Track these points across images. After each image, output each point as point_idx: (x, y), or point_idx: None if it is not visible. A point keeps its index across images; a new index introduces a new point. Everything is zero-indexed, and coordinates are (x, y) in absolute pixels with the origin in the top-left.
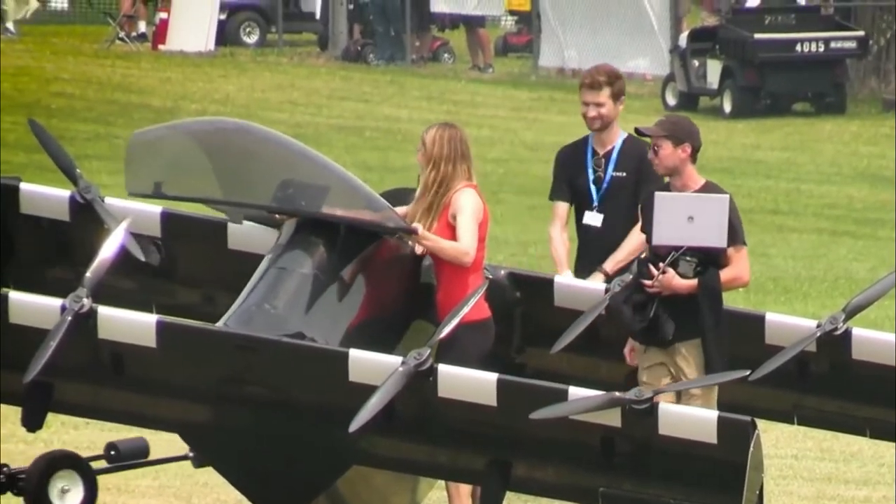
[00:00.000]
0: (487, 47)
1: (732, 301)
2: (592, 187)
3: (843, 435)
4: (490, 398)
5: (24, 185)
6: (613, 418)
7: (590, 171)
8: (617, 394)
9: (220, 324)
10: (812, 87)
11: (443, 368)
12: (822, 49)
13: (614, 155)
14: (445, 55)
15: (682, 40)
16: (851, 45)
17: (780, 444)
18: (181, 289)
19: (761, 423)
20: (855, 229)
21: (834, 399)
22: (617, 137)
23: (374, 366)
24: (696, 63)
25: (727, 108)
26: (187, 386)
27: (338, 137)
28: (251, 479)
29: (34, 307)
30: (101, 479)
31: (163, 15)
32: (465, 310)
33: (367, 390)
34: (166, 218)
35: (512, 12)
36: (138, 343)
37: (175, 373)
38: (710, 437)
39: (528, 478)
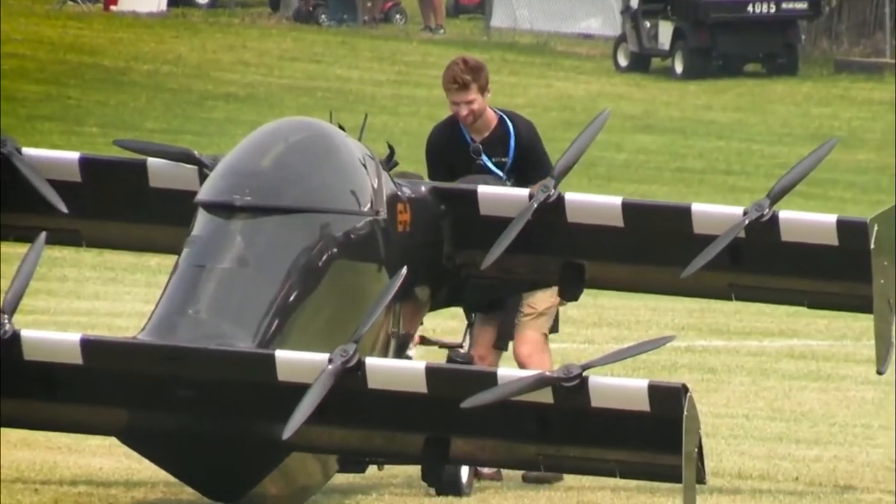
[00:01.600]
0: (439, 8)
1: None
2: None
3: (793, 395)
4: (420, 386)
5: None
6: (545, 396)
7: (481, 158)
8: (546, 373)
9: (144, 332)
10: (764, 48)
11: (370, 362)
12: (773, 10)
13: (504, 132)
14: (397, 16)
15: (634, 1)
16: (803, 6)
17: (731, 403)
18: (109, 225)
19: (710, 384)
20: (806, 189)
21: (769, 276)
22: (492, 121)
23: (302, 365)
24: (647, 24)
25: (679, 69)
26: (119, 396)
27: (289, 98)
28: (192, 474)
29: None
30: (53, 439)
31: None
32: (386, 299)
33: (298, 387)
34: (85, 162)
35: None
36: (65, 362)
37: (105, 385)
38: (643, 405)
39: (468, 452)
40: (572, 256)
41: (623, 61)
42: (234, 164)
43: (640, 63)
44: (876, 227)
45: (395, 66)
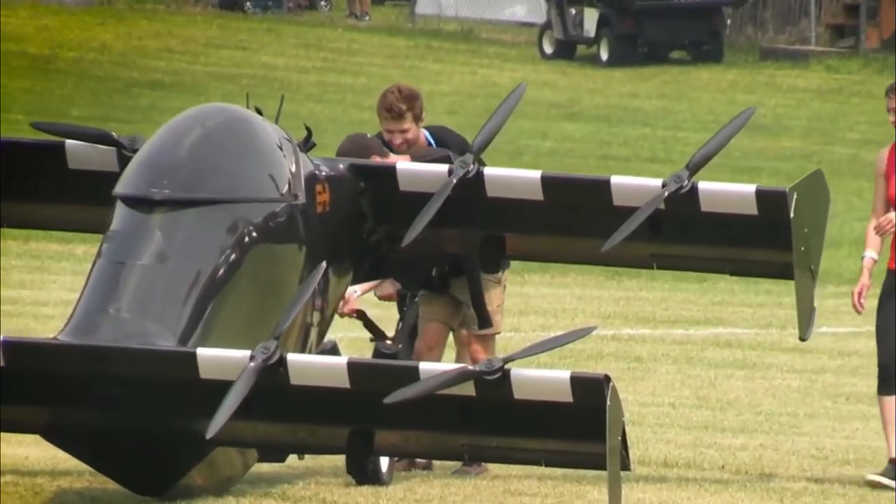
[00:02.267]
0: None
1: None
2: None
3: (719, 383)
4: (343, 381)
5: None
6: (467, 389)
7: None
8: (468, 367)
9: (65, 332)
10: (689, 35)
11: (292, 358)
12: None
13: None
14: (322, 3)
15: None
16: None
17: (657, 392)
18: (30, 206)
19: (636, 372)
20: (732, 177)
21: (690, 245)
22: (424, 142)
23: (223, 362)
24: (572, 11)
25: (604, 56)
26: (41, 396)
27: (215, 85)
28: (118, 470)
29: None
30: None
31: None
32: (306, 295)
33: (220, 384)
34: (2, 145)
35: None
36: None
37: (25, 384)
38: (566, 396)
39: (392, 444)
40: (493, 230)
41: (548, 48)
42: (152, 155)
43: (566, 50)
44: (795, 196)
45: (321, 52)
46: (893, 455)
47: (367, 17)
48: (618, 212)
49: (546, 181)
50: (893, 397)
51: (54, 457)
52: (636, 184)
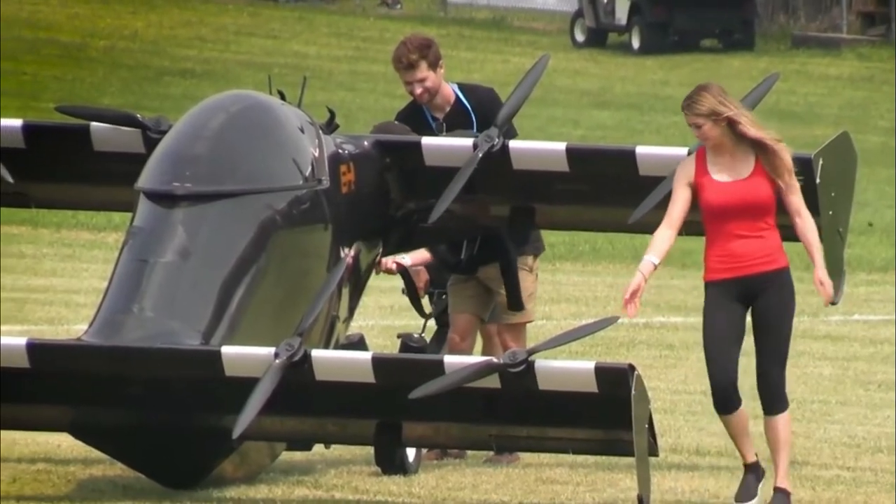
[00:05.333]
0: None
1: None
2: None
3: (752, 371)
4: (368, 376)
5: None
6: (492, 381)
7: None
8: (493, 359)
9: (90, 332)
10: (720, 23)
11: (316, 354)
12: None
13: (462, 108)
14: None
15: None
16: None
17: (689, 380)
18: (56, 187)
19: (668, 360)
20: None
21: None
22: (450, 96)
23: (248, 360)
24: (604, 0)
25: (636, 44)
26: (67, 394)
27: (246, 74)
28: (147, 464)
29: None
30: None
31: None
32: (330, 290)
33: (246, 381)
34: (29, 128)
35: None
36: (7, 365)
37: (51, 385)
38: (591, 386)
39: (420, 436)
40: (520, 201)
41: (580, 36)
42: (173, 147)
43: (597, 38)
44: (820, 161)
45: (353, 41)
46: None
47: (399, 6)
48: (644, 182)
49: (571, 152)
50: None
51: (86, 446)
52: (662, 153)
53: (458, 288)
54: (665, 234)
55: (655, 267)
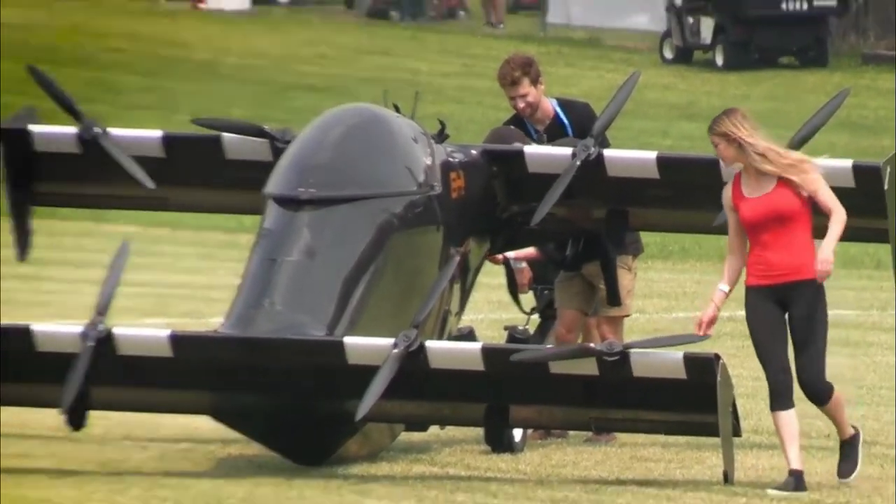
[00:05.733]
0: (500, 5)
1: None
2: None
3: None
4: (478, 364)
5: (33, 127)
6: (591, 368)
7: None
8: (591, 345)
9: (226, 325)
10: (797, 42)
11: (431, 345)
12: (805, 7)
13: (559, 123)
14: (461, 13)
15: None
16: (832, 3)
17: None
18: (193, 192)
19: (749, 350)
20: None
21: None
22: (550, 110)
23: (369, 350)
24: (690, 20)
25: (719, 61)
26: (206, 381)
27: (364, 89)
28: (280, 444)
29: (59, 337)
30: None
31: None
32: (442, 285)
33: (367, 369)
34: (168, 139)
35: None
36: (152, 354)
37: (192, 373)
38: (680, 373)
39: (526, 417)
40: (615, 205)
41: (668, 54)
42: (298, 156)
43: (684, 56)
44: (889, 169)
45: (461, 58)
46: None
47: (502, 26)
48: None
49: (661, 161)
50: None
51: (225, 427)
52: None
53: (565, 285)
54: (732, 263)
55: (727, 295)
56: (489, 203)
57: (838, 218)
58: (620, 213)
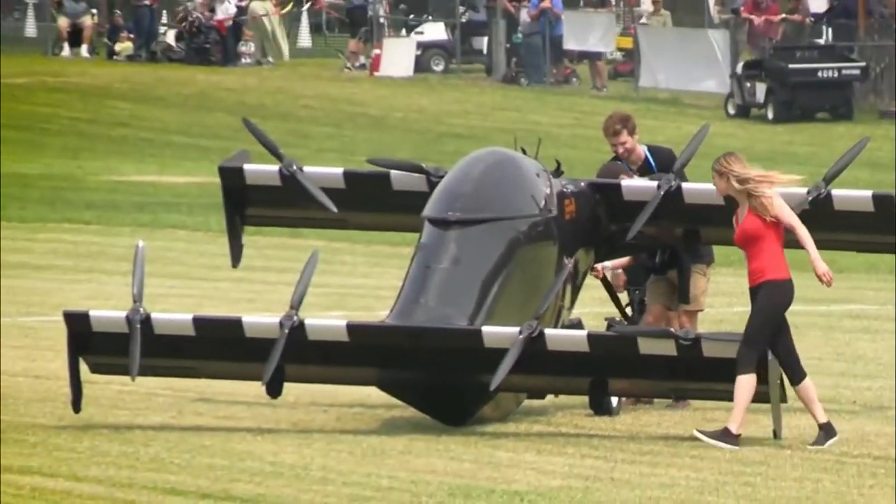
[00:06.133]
0: (603, 73)
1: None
2: None
3: (852, 343)
4: (584, 347)
5: (246, 166)
6: (671, 349)
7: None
8: (671, 329)
9: (391, 316)
10: (829, 101)
11: (549, 332)
12: (836, 75)
13: (648, 164)
14: (574, 79)
15: (739, 68)
16: (856, 72)
17: (808, 350)
18: (367, 215)
19: (796, 335)
20: None
21: (828, 233)
22: (641, 154)
23: (500, 336)
24: (748, 84)
25: (770, 116)
26: (375, 360)
27: (499, 137)
28: (432, 409)
29: (263, 326)
30: None
31: (377, 51)
32: (558, 286)
33: (499, 351)
34: (348, 174)
35: (620, 49)
36: (334, 339)
37: (364, 353)
38: None
39: (622, 388)
40: (690, 225)
41: (731, 110)
42: (448, 187)
43: (743, 112)
44: None
45: (573, 114)
46: None
47: (605, 89)
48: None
49: None
50: None
51: (389, 396)
52: (790, 191)
53: (654, 286)
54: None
55: None
56: (594, 223)
57: (803, 233)
58: (694, 231)
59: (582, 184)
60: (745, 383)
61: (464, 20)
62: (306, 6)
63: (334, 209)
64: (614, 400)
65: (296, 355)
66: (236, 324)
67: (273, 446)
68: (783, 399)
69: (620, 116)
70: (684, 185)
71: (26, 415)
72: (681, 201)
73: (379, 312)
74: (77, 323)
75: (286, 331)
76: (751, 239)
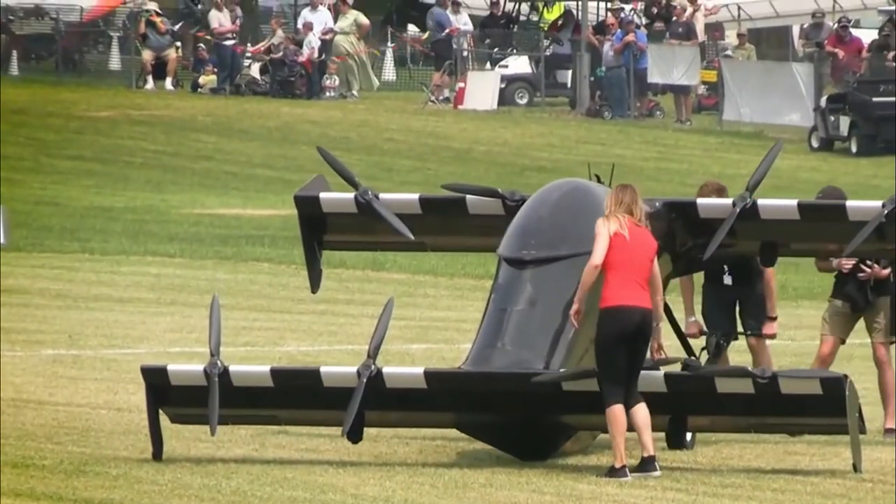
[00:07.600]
0: (687, 106)
1: None
2: None
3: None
4: (662, 387)
5: (322, 194)
6: (748, 388)
7: None
8: (749, 368)
9: (467, 363)
10: None
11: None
12: None
13: None
14: (657, 112)
15: (822, 102)
16: None
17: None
18: (444, 238)
19: (873, 369)
20: None
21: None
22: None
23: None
24: (832, 118)
25: (854, 149)
26: (454, 405)
27: (582, 169)
28: (514, 447)
29: (340, 375)
30: None
31: (461, 84)
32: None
33: (579, 393)
34: (423, 200)
35: (704, 82)
36: (410, 386)
37: (443, 399)
38: (817, 389)
39: (701, 425)
40: (766, 240)
41: (815, 143)
42: (522, 223)
43: (827, 145)
44: None
45: (657, 147)
46: None
47: (689, 122)
48: (852, 226)
49: (801, 207)
50: None
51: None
52: (864, 205)
53: (832, 319)
54: None
55: None
56: (670, 240)
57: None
58: (771, 244)
59: (657, 204)
60: None
61: (548, 53)
62: (391, 46)
63: (410, 236)
64: (688, 434)
65: (374, 403)
66: (314, 374)
67: (355, 479)
68: (862, 431)
69: (716, 186)
70: (760, 201)
71: (108, 447)
72: (757, 217)
73: (462, 346)
74: (155, 377)
75: (364, 380)
76: None
